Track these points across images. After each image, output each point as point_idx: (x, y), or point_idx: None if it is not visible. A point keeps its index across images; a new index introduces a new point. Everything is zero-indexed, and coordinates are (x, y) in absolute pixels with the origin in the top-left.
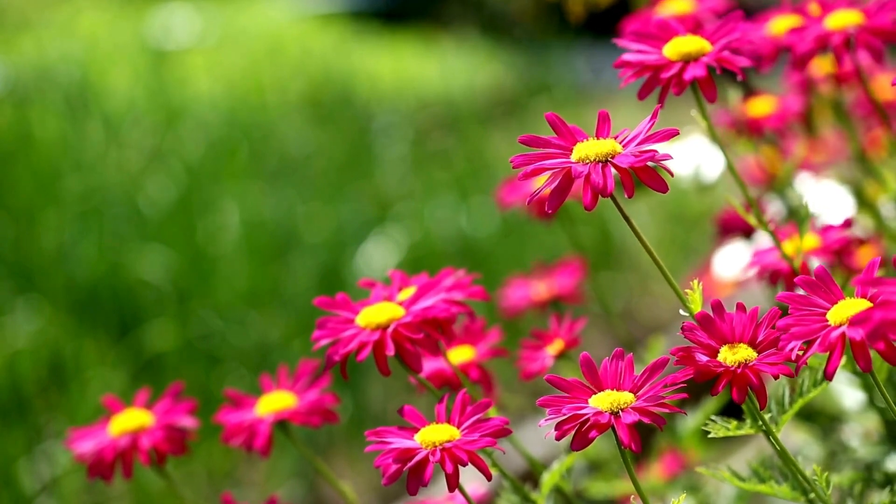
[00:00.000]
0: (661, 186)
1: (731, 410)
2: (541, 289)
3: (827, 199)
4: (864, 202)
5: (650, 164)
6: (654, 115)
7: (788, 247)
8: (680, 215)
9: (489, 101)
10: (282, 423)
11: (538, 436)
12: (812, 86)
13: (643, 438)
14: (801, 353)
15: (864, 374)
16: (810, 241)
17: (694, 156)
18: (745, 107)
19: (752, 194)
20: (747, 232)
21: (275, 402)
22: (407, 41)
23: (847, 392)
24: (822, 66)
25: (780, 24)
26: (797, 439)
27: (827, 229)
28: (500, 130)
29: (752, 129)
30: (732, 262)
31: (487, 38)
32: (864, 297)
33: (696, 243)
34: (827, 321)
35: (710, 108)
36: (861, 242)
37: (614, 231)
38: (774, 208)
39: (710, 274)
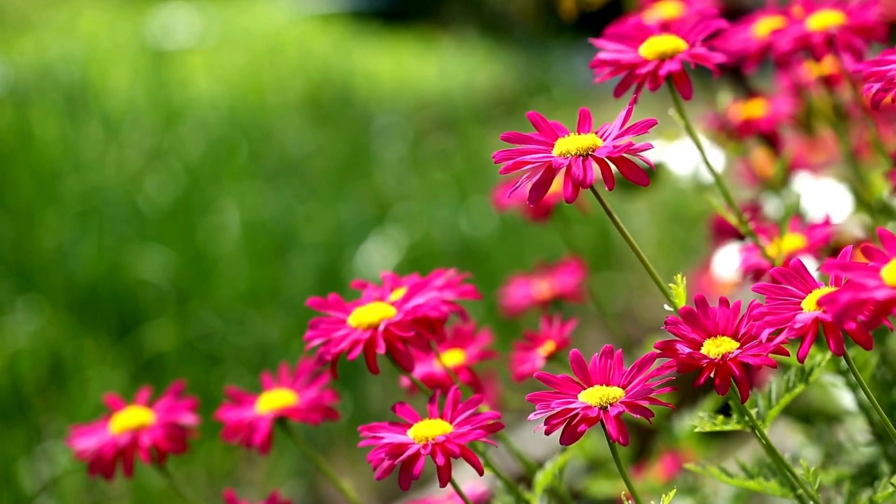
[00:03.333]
0: (642, 179)
1: (729, 411)
2: (543, 287)
3: (825, 198)
4: (863, 201)
5: (629, 156)
6: (631, 104)
7: (772, 247)
8: (680, 215)
9: (488, 101)
10: (282, 421)
11: (538, 435)
12: (803, 88)
13: (642, 440)
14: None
15: (846, 373)
16: (796, 240)
17: (693, 156)
18: (736, 109)
19: (746, 195)
20: (741, 234)
21: (275, 400)
22: (407, 41)
23: (846, 391)
24: (812, 69)
25: (764, 26)
26: (794, 441)
27: (812, 228)
28: (499, 130)
29: (742, 132)
30: (732, 262)
31: (487, 38)
32: (838, 283)
33: (696, 243)
34: (801, 309)
35: (702, 110)
36: (860, 242)
37: (614, 231)
38: (771, 208)
39: (709, 274)
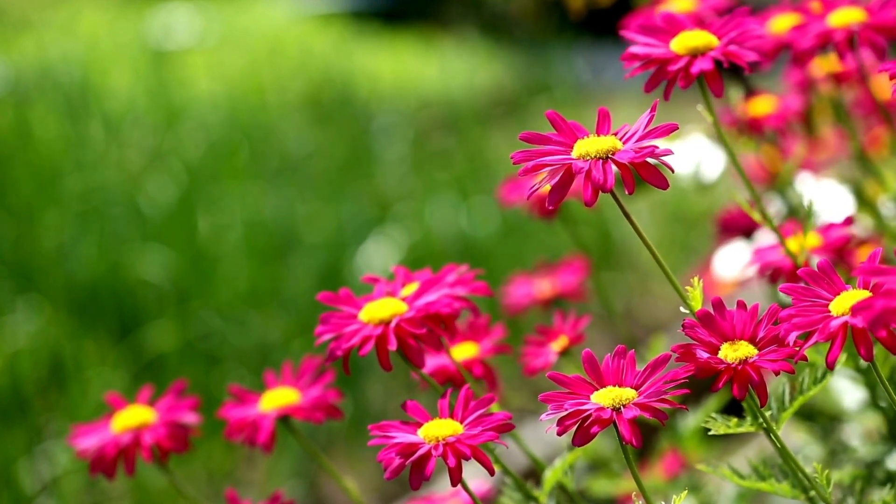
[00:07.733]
0: (662, 182)
1: (732, 409)
2: (544, 286)
3: (827, 197)
4: (865, 201)
5: (651, 160)
6: (653, 109)
7: (792, 244)
8: (680, 215)
9: (489, 101)
10: (285, 420)
11: (538, 434)
12: (812, 85)
13: (645, 438)
14: (798, 348)
15: (866, 371)
16: (811, 239)
17: (694, 154)
18: (746, 106)
19: (747, 195)
20: (748, 231)
21: (278, 398)
22: (407, 41)
23: (847, 391)
24: (822, 65)
25: (781, 23)
26: (797, 439)
27: (828, 227)
28: (500, 130)
29: (752, 129)
30: (733, 261)
31: (487, 38)
32: (866, 287)
33: (696, 243)
34: (829, 312)
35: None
36: (862, 241)
37: (614, 231)
38: (775, 207)
39: (710, 273)
